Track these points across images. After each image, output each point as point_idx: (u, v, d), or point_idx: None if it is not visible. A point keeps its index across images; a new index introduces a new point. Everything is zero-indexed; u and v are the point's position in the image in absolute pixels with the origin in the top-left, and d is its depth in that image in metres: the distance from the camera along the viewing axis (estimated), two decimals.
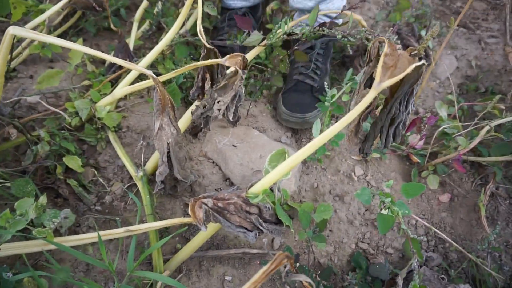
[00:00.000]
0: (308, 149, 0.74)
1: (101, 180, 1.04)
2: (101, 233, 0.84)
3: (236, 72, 0.83)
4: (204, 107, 0.91)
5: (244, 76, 0.82)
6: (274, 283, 0.95)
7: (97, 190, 1.03)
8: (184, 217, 0.87)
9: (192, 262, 0.95)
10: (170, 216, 1.00)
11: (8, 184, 0.92)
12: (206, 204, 0.72)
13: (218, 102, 0.87)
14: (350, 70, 1.06)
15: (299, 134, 1.21)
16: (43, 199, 0.85)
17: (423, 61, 0.69)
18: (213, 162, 1.07)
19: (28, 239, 0.85)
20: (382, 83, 0.69)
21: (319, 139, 0.74)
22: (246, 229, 0.77)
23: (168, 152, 0.90)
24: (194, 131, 1.03)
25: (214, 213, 0.73)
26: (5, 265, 0.83)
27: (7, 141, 1.02)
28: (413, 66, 0.67)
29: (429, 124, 1.07)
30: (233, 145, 1.05)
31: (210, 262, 0.96)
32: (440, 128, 1.18)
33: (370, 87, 0.81)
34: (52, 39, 0.76)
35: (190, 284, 0.92)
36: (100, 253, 0.92)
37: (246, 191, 0.77)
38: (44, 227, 0.86)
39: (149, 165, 1.00)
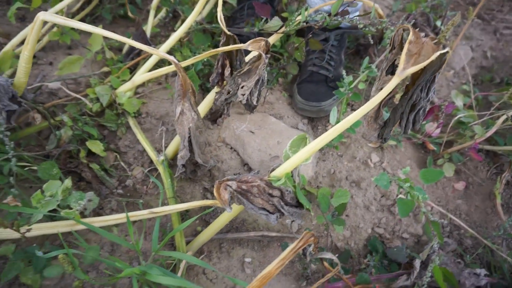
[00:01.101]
0: (331, 134, 0.75)
1: (122, 164, 1.06)
2: (120, 215, 0.87)
3: (259, 56, 0.84)
4: (228, 92, 0.93)
5: (267, 61, 0.83)
6: (292, 265, 0.97)
7: (118, 174, 1.05)
8: (204, 200, 0.89)
9: (213, 244, 0.98)
10: (189, 200, 1.03)
11: (33, 168, 0.94)
12: (230, 186, 0.74)
13: (242, 87, 0.89)
14: (367, 59, 1.06)
15: (315, 121, 1.22)
16: (68, 182, 0.87)
17: (447, 49, 0.69)
18: (231, 148, 1.09)
19: (54, 220, 0.88)
20: (406, 70, 0.70)
21: (341, 125, 0.75)
22: (268, 211, 0.79)
23: (189, 137, 0.92)
24: (214, 117, 1.04)
25: (238, 195, 0.75)
26: (35, 244, 0.86)
27: (30, 126, 1.05)
28: (438, 53, 0.68)
29: (446, 113, 1.08)
30: (251, 131, 1.07)
31: (230, 244, 0.98)
32: (456, 117, 1.18)
33: (392, 74, 0.82)
34: (80, 25, 0.78)
35: (211, 265, 0.94)
36: (124, 234, 0.95)
37: (268, 175, 0.79)
38: (70, 209, 0.88)
39: (170, 150, 1.02)
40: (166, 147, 1.03)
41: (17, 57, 1.07)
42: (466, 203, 1.15)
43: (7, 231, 0.82)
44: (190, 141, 0.93)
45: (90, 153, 1.04)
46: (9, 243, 0.86)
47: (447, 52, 0.70)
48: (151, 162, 1.06)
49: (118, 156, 1.06)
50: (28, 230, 0.79)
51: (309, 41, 1.14)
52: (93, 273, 0.88)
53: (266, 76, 0.90)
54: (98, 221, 0.84)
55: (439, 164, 1.19)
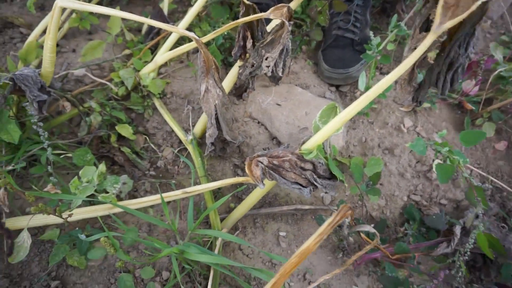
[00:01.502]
0: (362, 102, 0.72)
1: (152, 146, 1.07)
2: (155, 197, 0.88)
3: (282, 24, 0.81)
4: (252, 65, 0.90)
5: (290, 28, 0.79)
6: (328, 237, 0.97)
7: (149, 156, 1.06)
8: (236, 177, 0.89)
9: (247, 220, 0.98)
10: (220, 177, 1.03)
11: (69, 155, 0.97)
12: (262, 163, 0.73)
13: (266, 59, 0.86)
14: (395, 17, 0.99)
15: (343, 88, 1.18)
16: (102, 167, 0.89)
17: None
18: (258, 122, 1.07)
19: (93, 204, 0.91)
20: (443, 24, 0.65)
21: (373, 91, 0.71)
22: (301, 185, 0.78)
23: (216, 114, 0.91)
24: (239, 92, 1.02)
25: (270, 171, 0.74)
26: (77, 228, 0.90)
27: (61, 115, 1.07)
28: (479, 2, 0.62)
29: (485, 68, 1.00)
30: (277, 104, 1.04)
31: (264, 220, 0.99)
32: (496, 72, 1.10)
33: (426, 30, 0.76)
34: (98, 8, 0.76)
35: (246, 241, 0.95)
36: (159, 214, 0.97)
37: (299, 148, 0.77)
38: (107, 192, 0.91)
39: (198, 129, 1.02)
40: (193, 126, 1.03)
41: (41, 47, 1.08)
42: (509, 164, 1.09)
43: (51, 217, 0.86)
44: (217, 119, 0.92)
45: (121, 137, 1.05)
46: (54, 228, 0.90)
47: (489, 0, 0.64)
48: (180, 142, 1.06)
49: (147, 138, 1.07)
50: (70, 215, 0.82)
51: (332, 3, 1.07)
52: (134, 253, 0.92)
53: (290, 45, 0.86)
54: (134, 204, 0.86)
55: (478, 124, 1.12)
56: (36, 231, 0.97)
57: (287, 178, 0.76)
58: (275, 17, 0.78)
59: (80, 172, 0.87)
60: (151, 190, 1.02)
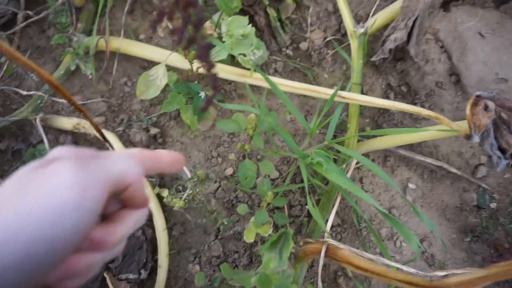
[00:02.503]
0: None
1: (300, 20, 0.85)
2: (300, 85, 0.71)
3: None
4: None
5: None
6: (460, 212, 0.80)
7: (293, 31, 0.86)
8: (418, 107, 0.68)
9: (378, 153, 0.82)
10: (367, 91, 0.83)
11: None
12: (490, 110, 0.52)
13: None
14: None
15: None
16: (251, 30, 0.70)
17: None
18: (442, 46, 0.82)
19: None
20: None
21: None
22: (504, 154, 0.58)
23: (417, 16, 0.67)
24: None
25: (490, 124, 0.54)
26: (197, 82, 0.76)
27: None
28: None
29: None
30: (480, 34, 0.78)
31: (397, 161, 0.82)
32: None
33: None
34: None
35: (370, 176, 0.80)
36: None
37: None
38: (244, 55, 0.74)
39: (375, 23, 0.78)
40: (369, 16, 0.79)
41: None
42: None
43: (180, 59, 0.71)
44: (414, 22, 0.68)
45: None
46: (173, 74, 0.76)
47: None
48: (338, 29, 0.84)
49: (299, 8, 0.85)
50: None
51: None
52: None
53: None
54: (279, 83, 0.69)
55: None
56: (146, 64, 0.84)
57: (502, 139, 0.56)
58: None
59: (228, 20, 0.69)
60: (282, 72, 0.85)
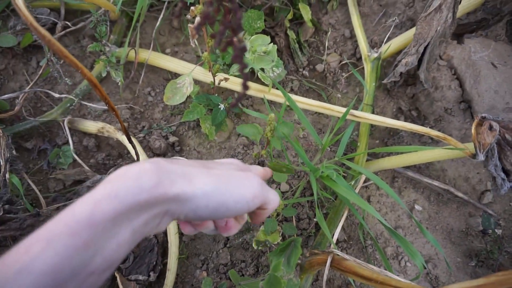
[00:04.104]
0: None
1: (318, 43, 0.90)
2: (315, 102, 0.75)
3: None
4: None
5: None
6: (466, 236, 0.81)
7: (310, 53, 0.91)
8: (426, 128, 0.71)
9: (386, 174, 0.84)
10: (378, 114, 0.87)
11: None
12: (495, 129, 0.55)
13: None
14: None
15: None
16: (273, 48, 0.75)
17: None
18: (454, 74, 0.85)
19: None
20: None
21: None
22: (508, 176, 0.60)
23: (429, 43, 0.71)
24: (462, 29, 0.79)
25: (495, 144, 0.56)
26: (217, 95, 0.80)
27: None
28: None
29: None
30: (493, 64, 0.81)
31: (404, 183, 0.84)
32: None
33: None
34: None
35: (377, 195, 0.82)
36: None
37: None
38: (263, 71, 0.78)
39: (389, 49, 0.82)
40: (383, 43, 0.84)
41: None
42: None
43: (202, 73, 0.76)
44: (426, 48, 0.72)
45: (291, 19, 0.89)
46: (195, 86, 0.81)
47: None
48: (353, 54, 0.89)
49: (318, 32, 0.90)
50: (226, 80, 0.71)
51: None
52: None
53: None
54: (295, 100, 0.73)
55: None
56: (170, 76, 0.89)
57: (505, 161, 0.58)
58: None
59: (251, 38, 0.74)
60: (297, 91, 0.89)
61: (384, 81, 0.78)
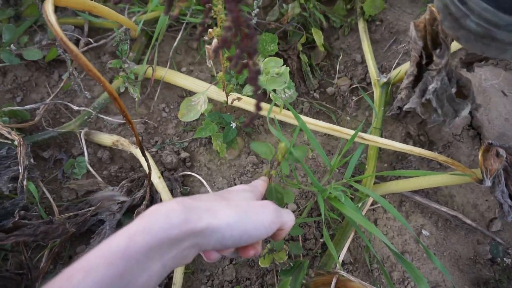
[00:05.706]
0: None
1: (329, 67, 0.93)
2: (325, 124, 0.76)
3: None
4: None
5: None
6: (474, 264, 0.81)
7: (322, 76, 0.93)
8: (434, 152, 0.72)
9: (394, 198, 0.84)
10: (386, 138, 0.88)
11: None
12: (502, 156, 0.56)
13: None
14: None
15: None
16: (285, 70, 0.77)
17: None
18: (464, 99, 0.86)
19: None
20: None
21: None
22: None
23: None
24: (474, 58, 0.81)
25: (501, 170, 0.57)
26: (229, 113, 0.82)
27: None
28: None
29: None
30: (503, 92, 0.82)
31: (412, 207, 0.84)
32: None
33: None
34: None
35: (384, 219, 0.82)
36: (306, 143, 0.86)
37: None
38: (275, 92, 0.80)
39: (399, 74, 0.84)
40: (392, 68, 0.86)
41: None
42: None
43: (216, 92, 0.79)
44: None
45: (304, 43, 0.92)
46: (209, 104, 0.83)
47: None
48: (363, 78, 0.91)
49: (329, 56, 0.93)
50: (238, 99, 0.74)
51: None
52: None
53: None
54: (306, 121, 0.75)
55: None
56: (184, 94, 0.92)
57: (511, 187, 0.58)
58: None
59: (264, 61, 0.76)
60: (307, 113, 0.91)
61: (387, 114, 0.80)
